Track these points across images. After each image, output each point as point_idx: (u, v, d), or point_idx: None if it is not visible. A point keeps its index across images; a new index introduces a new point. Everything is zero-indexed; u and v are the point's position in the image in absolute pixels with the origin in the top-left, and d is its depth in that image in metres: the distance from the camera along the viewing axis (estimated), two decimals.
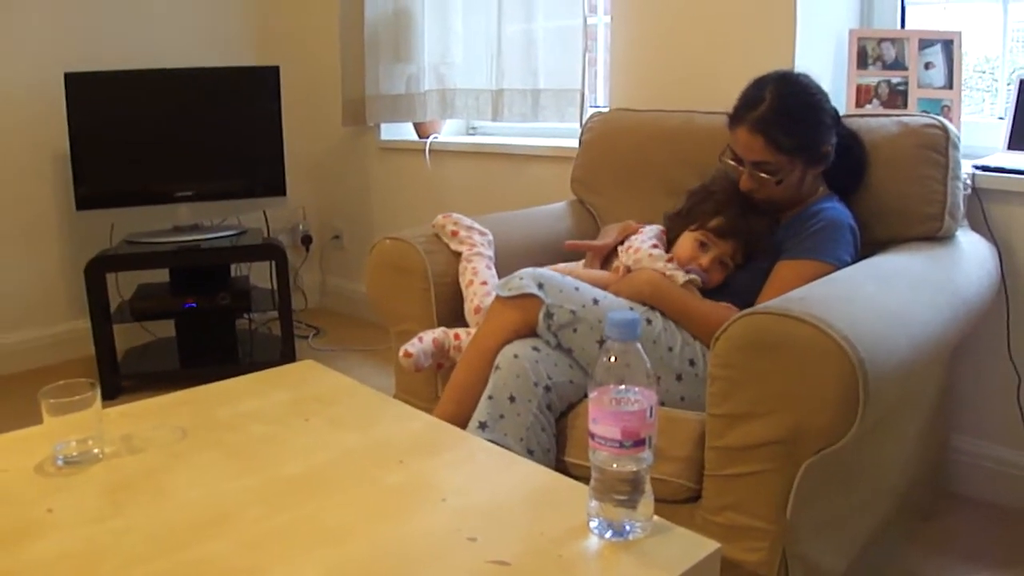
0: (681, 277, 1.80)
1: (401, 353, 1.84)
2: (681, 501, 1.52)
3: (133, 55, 3.44)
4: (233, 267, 3.41)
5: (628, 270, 1.90)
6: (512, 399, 1.62)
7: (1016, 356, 2.09)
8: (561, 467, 1.63)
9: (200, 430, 1.45)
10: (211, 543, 1.08)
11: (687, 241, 1.91)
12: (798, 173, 1.84)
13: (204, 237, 3.23)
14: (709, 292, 1.84)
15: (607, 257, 2.06)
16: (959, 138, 1.91)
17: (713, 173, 1.99)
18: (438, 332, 1.90)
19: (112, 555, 1.06)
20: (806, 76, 1.88)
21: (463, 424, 1.63)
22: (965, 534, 2.04)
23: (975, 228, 2.06)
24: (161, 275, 3.35)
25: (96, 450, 1.35)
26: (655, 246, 1.93)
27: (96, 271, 3.00)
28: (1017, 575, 1.86)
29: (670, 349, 1.69)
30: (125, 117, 3.19)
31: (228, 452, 1.36)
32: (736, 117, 1.86)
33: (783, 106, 1.81)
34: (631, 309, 1.72)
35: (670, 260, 1.87)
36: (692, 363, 1.69)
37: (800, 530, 1.44)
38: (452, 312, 2.02)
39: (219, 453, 1.36)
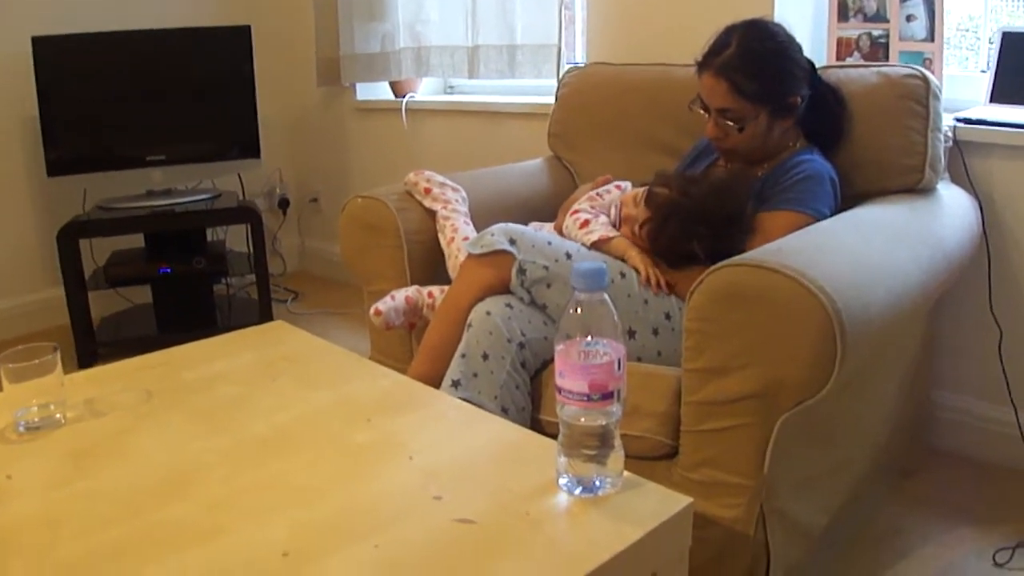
0: (595, 236, 1.79)
1: (372, 311, 1.82)
2: (658, 458, 1.50)
3: (102, 17, 3.36)
4: (209, 231, 3.36)
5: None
6: (485, 357, 1.59)
7: (998, 310, 2.07)
8: (536, 425, 1.61)
9: (166, 392, 1.43)
10: (176, 505, 1.06)
11: (637, 192, 1.85)
12: (763, 122, 1.81)
13: (178, 201, 3.18)
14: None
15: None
16: (940, 89, 1.88)
17: (721, 176, 1.88)
18: (411, 290, 1.87)
19: (74, 520, 1.04)
20: (777, 25, 1.85)
21: (437, 383, 1.61)
22: (946, 490, 2.03)
23: (956, 181, 2.04)
24: (136, 241, 3.31)
25: (58, 415, 1.32)
26: (574, 212, 1.89)
27: (69, 238, 2.95)
28: (998, 530, 1.86)
29: (645, 302, 1.66)
30: (95, 80, 3.13)
31: (194, 413, 1.34)
32: (703, 63, 1.83)
33: (748, 52, 1.78)
34: (603, 263, 1.69)
35: (584, 225, 1.83)
36: (668, 316, 1.67)
37: (778, 486, 1.42)
38: (425, 271, 1.99)
39: (185, 414, 1.34)
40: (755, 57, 1.78)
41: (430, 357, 1.71)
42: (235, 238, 3.53)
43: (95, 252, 3.30)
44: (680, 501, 1.04)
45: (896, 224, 1.70)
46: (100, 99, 3.13)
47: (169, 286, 3.21)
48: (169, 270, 3.11)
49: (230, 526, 1.01)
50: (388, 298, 1.84)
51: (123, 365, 1.57)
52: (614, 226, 1.84)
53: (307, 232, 4.21)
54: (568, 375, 1.00)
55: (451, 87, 3.67)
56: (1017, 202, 2.03)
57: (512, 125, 3.08)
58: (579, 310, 1.00)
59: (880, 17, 2.26)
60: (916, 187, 1.85)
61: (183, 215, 3.12)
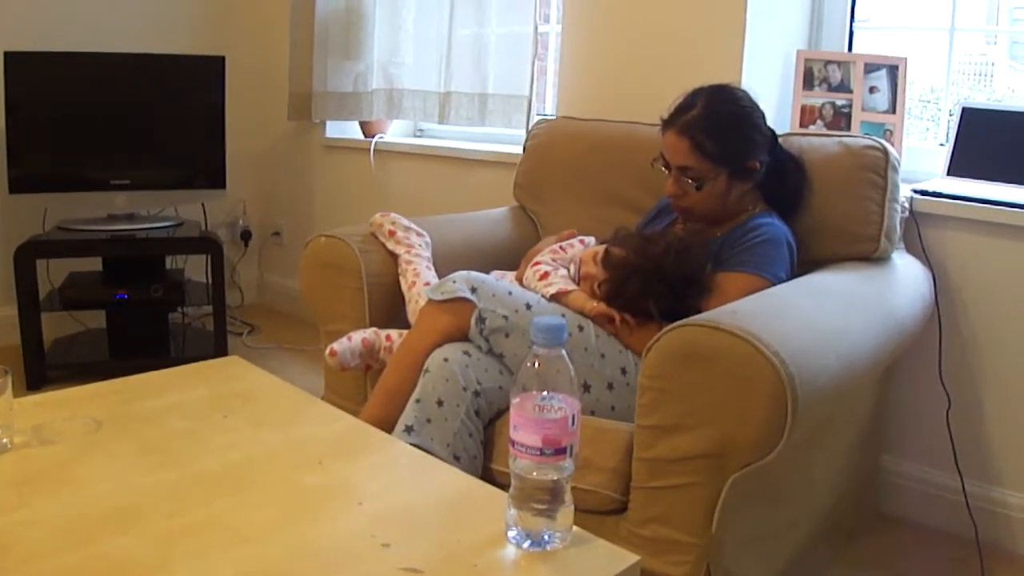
0: (554, 288, 1.80)
1: (327, 351, 1.81)
2: (607, 512, 1.50)
3: (76, 37, 3.35)
4: (168, 259, 3.33)
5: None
6: (440, 403, 1.59)
7: (947, 379, 2.11)
8: (488, 474, 1.61)
9: (116, 422, 1.40)
10: (119, 538, 1.04)
11: (596, 250, 1.86)
12: (722, 183, 1.84)
13: (140, 227, 3.15)
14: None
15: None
16: (899, 161, 1.93)
17: (680, 235, 1.87)
18: (368, 332, 1.86)
19: (14, 548, 1.02)
20: (743, 91, 1.89)
21: (390, 427, 1.61)
22: (891, 554, 2.05)
23: (911, 251, 2.08)
24: (94, 264, 3.27)
25: (4, 440, 1.30)
26: (535, 264, 1.91)
27: (26, 257, 2.91)
28: None
29: (602, 356, 1.67)
30: (65, 100, 3.11)
31: (143, 446, 1.32)
32: (668, 121, 1.87)
33: (712, 114, 1.82)
34: (562, 316, 1.70)
35: (543, 277, 1.85)
36: (624, 372, 1.68)
37: (725, 545, 1.43)
38: (384, 313, 1.99)
39: (133, 447, 1.31)
40: (719, 120, 1.82)
41: (384, 400, 1.70)
42: (194, 267, 3.50)
43: (51, 272, 3.26)
44: (627, 559, 1.04)
45: (850, 291, 1.73)
46: (68, 119, 3.11)
47: (124, 312, 3.17)
48: (125, 296, 3.07)
49: (174, 563, 0.99)
50: (345, 339, 1.84)
51: (74, 392, 1.54)
52: (574, 281, 1.86)
53: (267, 266, 4.19)
54: (522, 428, 1.00)
55: (420, 130, 3.69)
56: (969, 274, 2.08)
57: (479, 172, 3.10)
58: (537, 364, 1.00)
59: (844, 87, 2.32)
60: (871, 255, 1.89)
61: (143, 241, 3.09)
